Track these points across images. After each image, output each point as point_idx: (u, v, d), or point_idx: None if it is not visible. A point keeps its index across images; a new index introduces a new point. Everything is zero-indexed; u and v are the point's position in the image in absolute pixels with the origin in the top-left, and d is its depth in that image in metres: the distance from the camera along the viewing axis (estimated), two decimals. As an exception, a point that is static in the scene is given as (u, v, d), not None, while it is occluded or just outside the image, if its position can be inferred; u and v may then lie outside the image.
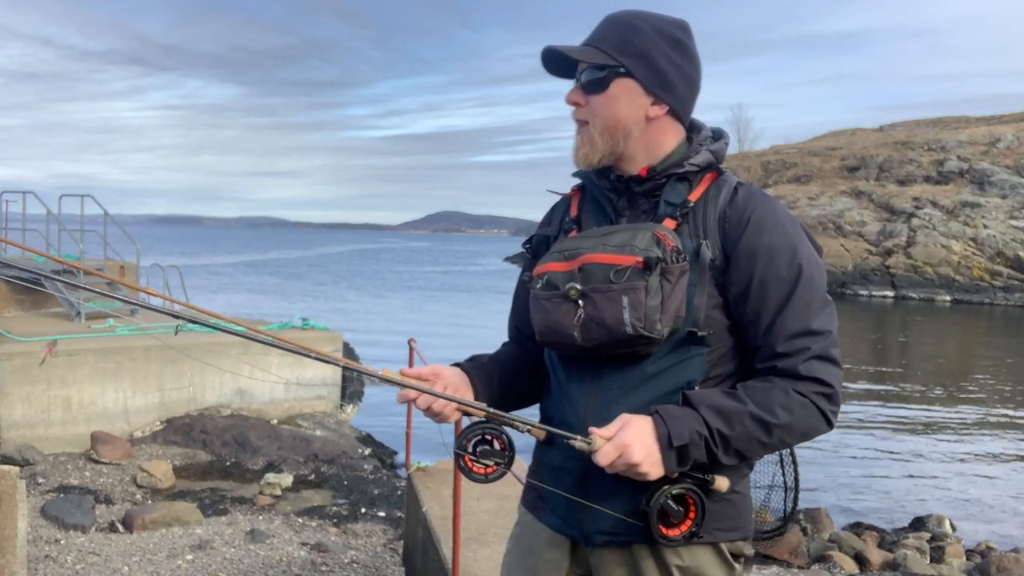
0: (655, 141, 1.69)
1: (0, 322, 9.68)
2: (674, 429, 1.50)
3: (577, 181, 1.83)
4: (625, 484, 1.56)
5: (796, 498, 1.76)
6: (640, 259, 1.55)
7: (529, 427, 1.57)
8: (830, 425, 1.58)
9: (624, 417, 1.52)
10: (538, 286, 1.68)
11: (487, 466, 1.60)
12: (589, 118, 1.68)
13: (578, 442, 1.49)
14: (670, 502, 1.52)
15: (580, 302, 1.59)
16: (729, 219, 1.62)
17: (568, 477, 1.67)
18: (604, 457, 1.48)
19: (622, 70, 1.64)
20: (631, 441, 1.48)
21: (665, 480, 1.52)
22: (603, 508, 1.60)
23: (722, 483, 1.55)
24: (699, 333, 1.58)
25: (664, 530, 1.53)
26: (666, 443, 1.49)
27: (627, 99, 1.65)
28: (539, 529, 1.78)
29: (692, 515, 1.53)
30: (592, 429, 1.51)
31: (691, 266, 1.59)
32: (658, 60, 1.65)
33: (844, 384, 1.61)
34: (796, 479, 1.74)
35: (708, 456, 1.53)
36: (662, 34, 1.66)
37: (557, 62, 1.71)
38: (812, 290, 1.59)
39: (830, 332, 1.58)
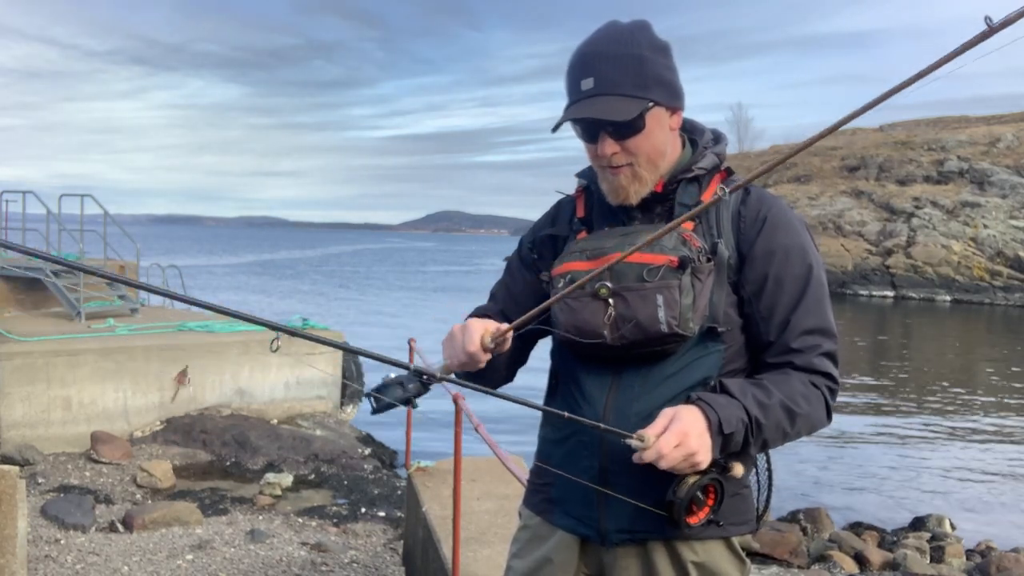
0: (674, 151, 1.70)
1: (0, 322, 9.67)
2: (723, 415, 1.49)
3: (582, 182, 1.80)
4: (646, 480, 1.55)
5: (768, 499, 1.75)
6: (674, 258, 1.56)
7: (580, 421, 1.54)
8: (830, 419, 1.64)
9: (669, 411, 1.48)
10: (560, 285, 1.66)
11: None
12: (631, 160, 1.63)
13: (634, 441, 1.45)
14: (698, 493, 1.50)
15: (611, 300, 1.59)
16: (744, 218, 1.64)
17: (585, 476, 1.66)
18: (665, 445, 1.43)
19: (650, 104, 1.60)
20: (688, 430, 1.45)
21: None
22: (638, 502, 1.57)
23: (738, 469, 1.55)
24: (719, 329, 1.60)
25: (687, 519, 1.52)
26: (716, 430, 1.48)
27: (659, 126, 1.64)
28: (549, 531, 1.76)
29: (711, 502, 1.53)
30: (640, 431, 1.47)
31: None
32: (666, 75, 1.64)
33: (845, 383, 1.64)
34: (770, 479, 1.73)
35: (742, 444, 1.53)
36: (653, 47, 1.63)
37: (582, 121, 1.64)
38: (822, 289, 1.65)
39: (836, 333, 1.65)
